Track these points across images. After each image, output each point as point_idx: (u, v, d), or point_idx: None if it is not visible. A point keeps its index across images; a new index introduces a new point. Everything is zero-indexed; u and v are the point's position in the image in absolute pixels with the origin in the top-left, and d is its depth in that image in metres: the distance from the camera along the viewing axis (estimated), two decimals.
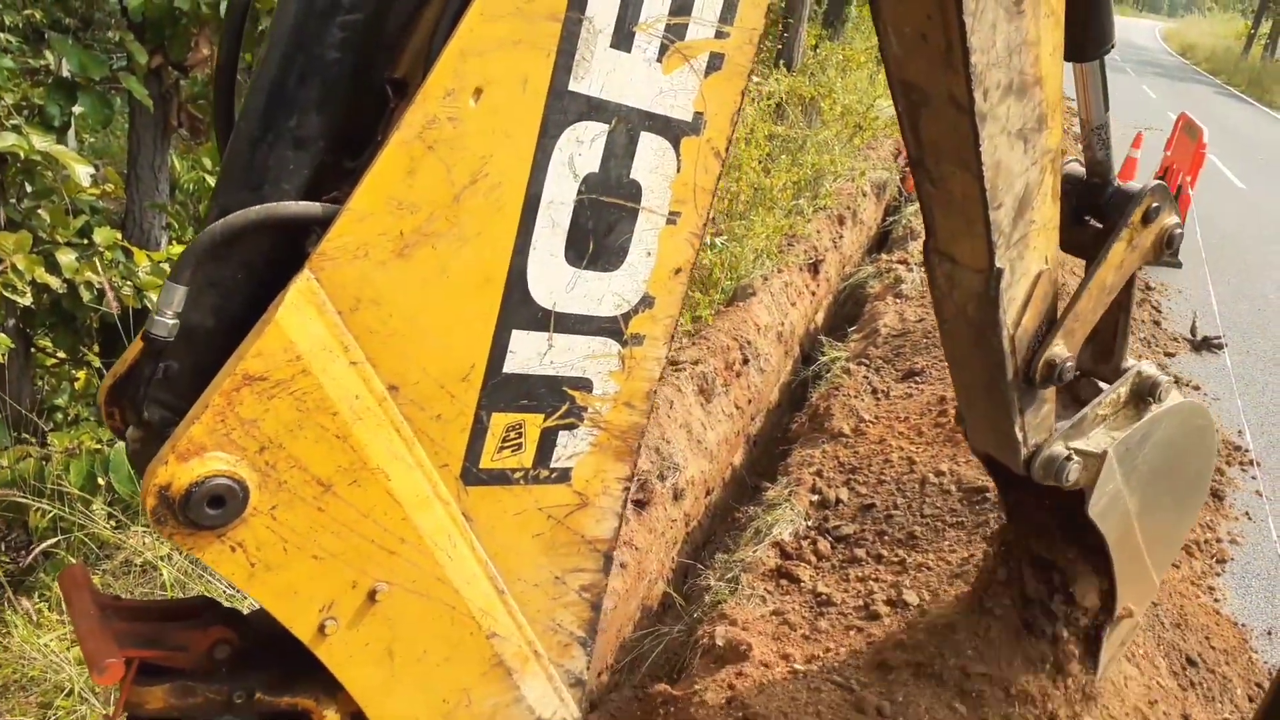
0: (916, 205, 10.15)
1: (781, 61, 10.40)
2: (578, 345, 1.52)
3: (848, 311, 8.38)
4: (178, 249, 4.63)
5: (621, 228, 1.48)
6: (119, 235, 4.36)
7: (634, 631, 4.19)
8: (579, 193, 1.42)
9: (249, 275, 1.34)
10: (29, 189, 4.27)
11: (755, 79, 9.30)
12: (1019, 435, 2.52)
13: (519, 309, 1.43)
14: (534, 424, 1.52)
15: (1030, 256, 2.33)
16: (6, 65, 3.89)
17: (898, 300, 7.54)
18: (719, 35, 1.45)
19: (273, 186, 1.33)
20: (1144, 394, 2.70)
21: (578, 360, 1.53)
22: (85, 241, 4.20)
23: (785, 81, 9.31)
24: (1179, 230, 2.55)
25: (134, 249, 4.35)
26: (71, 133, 5.82)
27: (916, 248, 8.88)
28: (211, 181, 6.16)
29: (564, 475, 1.60)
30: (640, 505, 4.41)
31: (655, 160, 1.47)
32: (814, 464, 4.87)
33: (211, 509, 1.24)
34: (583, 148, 1.40)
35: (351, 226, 1.27)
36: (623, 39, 1.38)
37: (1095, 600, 2.95)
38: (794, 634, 3.49)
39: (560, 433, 1.56)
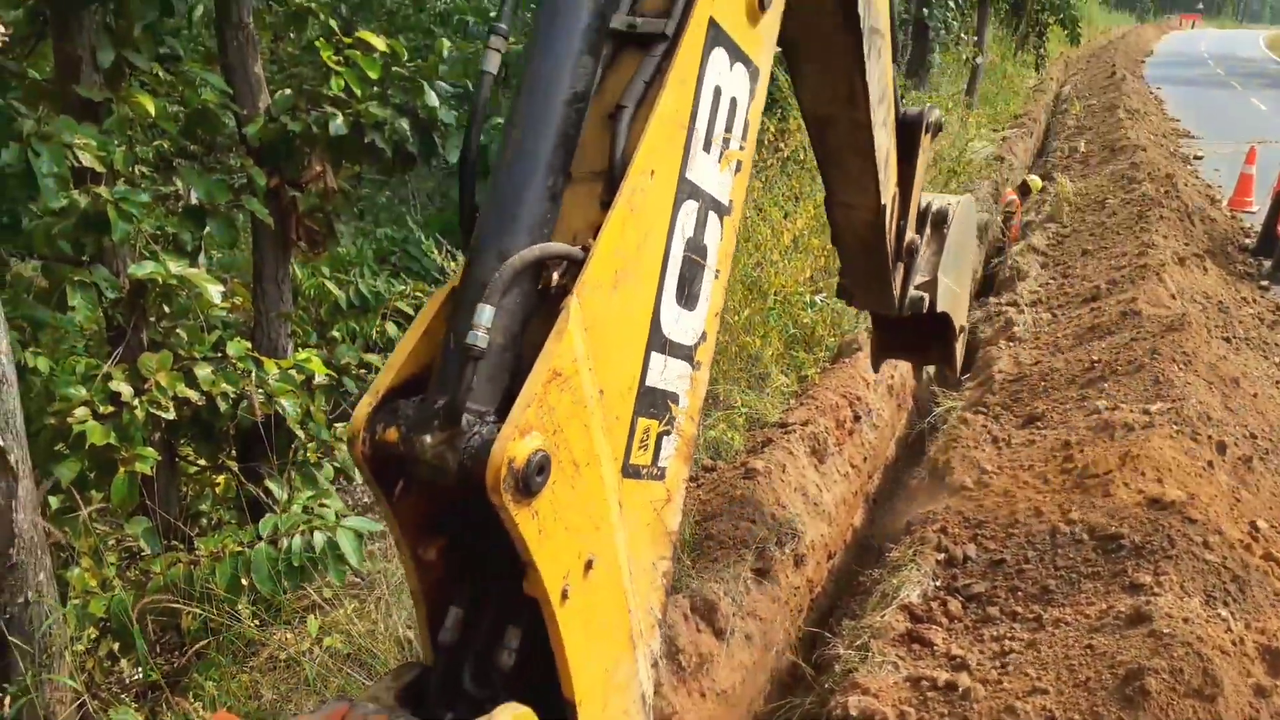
0: (1020, 246, 9.92)
1: None
2: (677, 367, 1.92)
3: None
4: (304, 355, 4.89)
5: (699, 279, 1.95)
6: (249, 345, 4.65)
7: (765, 705, 4.13)
8: (684, 251, 1.89)
9: (523, 300, 1.68)
10: (167, 310, 4.60)
11: None
12: (895, 293, 3.79)
13: (655, 335, 1.85)
14: (654, 429, 1.89)
15: (890, 189, 3.43)
16: (143, 200, 4.23)
17: (1011, 344, 7.35)
18: (741, 148, 2.03)
19: (538, 231, 1.71)
20: (938, 222, 3.98)
21: (675, 379, 1.92)
22: (219, 354, 4.49)
23: None
24: (942, 120, 3.77)
25: (263, 359, 4.62)
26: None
27: (1026, 288, 8.66)
28: (331, 286, 6.52)
29: (663, 473, 1.94)
30: (761, 574, 4.38)
31: (715, 232, 1.98)
32: (937, 520, 4.75)
33: (539, 476, 1.53)
34: (688, 219, 1.90)
35: (598, 265, 1.68)
36: (708, 144, 1.93)
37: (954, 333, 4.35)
38: (929, 701, 3.39)
39: (664, 437, 1.92)
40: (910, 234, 3.76)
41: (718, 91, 1.93)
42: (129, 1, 4.62)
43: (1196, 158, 14.60)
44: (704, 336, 1.99)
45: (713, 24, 1.88)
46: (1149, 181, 11.24)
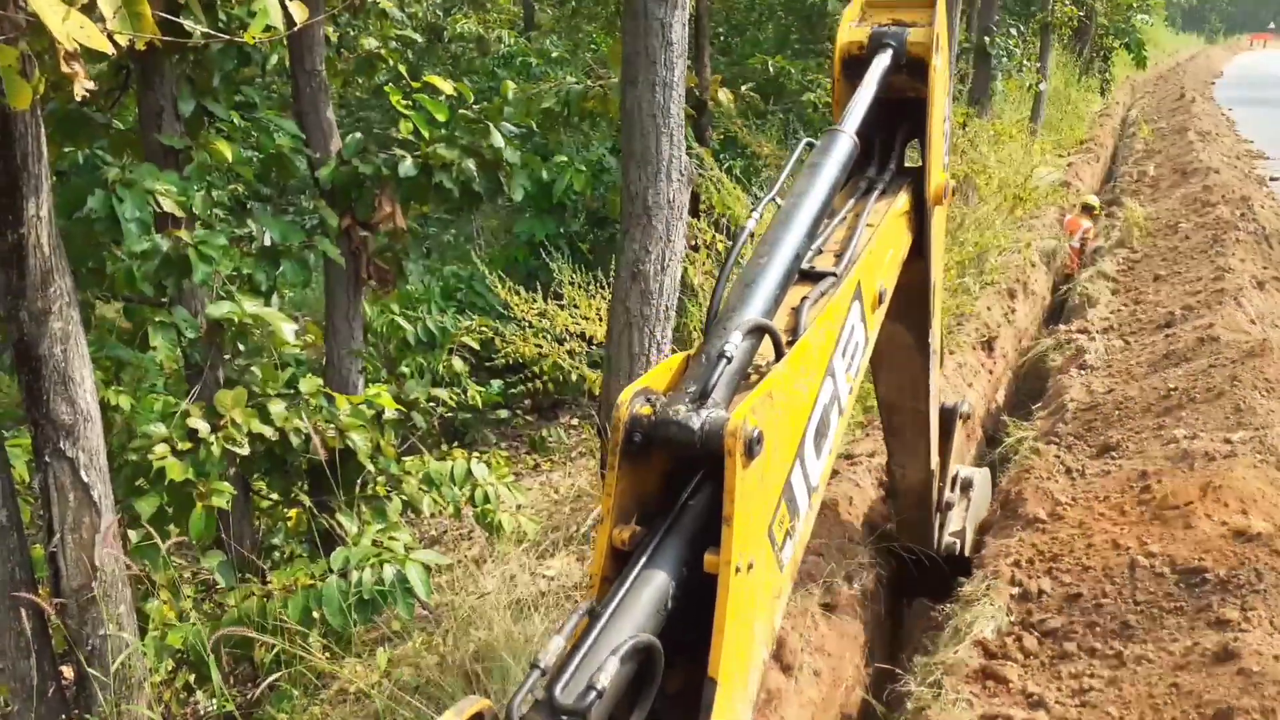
0: (1090, 272, 9.73)
1: None
2: (806, 487, 2.38)
3: (1030, 388, 8.03)
4: (374, 390, 4.99)
5: (826, 434, 2.46)
6: (320, 382, 4.76)
7: None
8: (824, 404, 2.45)
9: (750, 349, 2.32)
10: (242, 348, 4.73)
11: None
12: (934, 537, 4.84)
13: (802, 446, 2.33)
14: (786, 521, 2.27)
15: (936, 458, 4.45)
16: (221, 242, 4.37)
17: (1082, 372, 7.19)
18: (853, 374, 2.74)
19: (770, 309, 2.40)
20: (965, 486, 5.06)
21: (804, 495, 2.36)
22: (292, 391, 4.60)
23: None
24: (971, 410, 5.03)
25: (335, 395, 4.72)
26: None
27: (1097, 315, 8.48)
28: (400, 322, 6.64)
29: (781, 565, 2.29)
30: (829, 609, 4.32)
31: (835, 413, 2.54)
32: (1010, 554, 4.63)
33: (758, 445, 1.99)
34: (828, 388, 2.48)
35: (796, 354, 2.29)
36: (843, 353, 2.61)
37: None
38: None
39: (789, 535, 2.31)
40: (948, 494, 4.73)
41: (852, 326, 2.65)
42: (208, 53, 4.81)
43: (1273, 179, 14.19)
44: (816, 489, 2.42)
45: (858, 289, 2.68)
46: (1223, 204, 10.95)
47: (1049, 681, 3.72)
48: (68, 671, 4.08)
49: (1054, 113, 17.45)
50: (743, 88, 10.47)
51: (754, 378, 2.29)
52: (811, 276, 2.67)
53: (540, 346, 6.89)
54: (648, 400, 2.15)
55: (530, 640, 3.76)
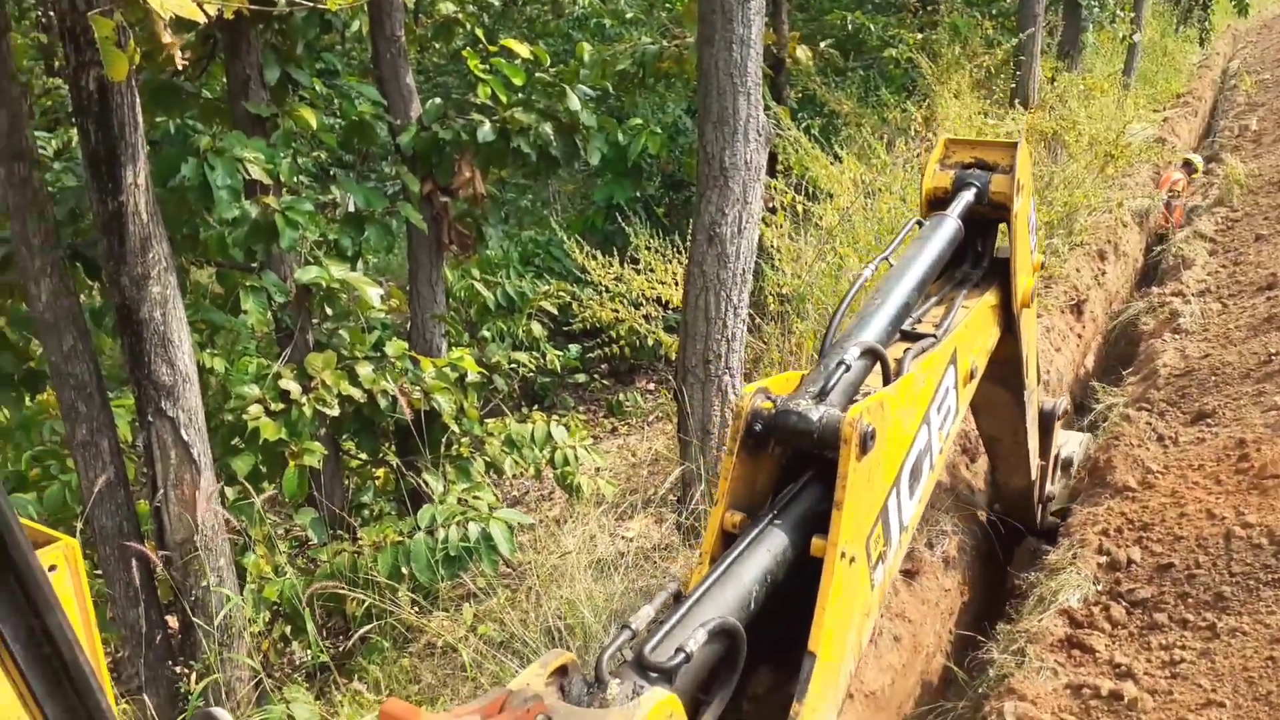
0: (1185, 232, 9.37)
1: (1016, 100, 9.99)
2: (897, 521, 2.48)
3: (1120, 352, 7.78)
4: (457, 353, 5.08)
5: (920, 479, 2.60)
6: (405, 346, 4.86)
7: (914, 708, 4.04)
8: (919, 450, 2.58)
9: (864, 369, 2.51)
10: (329, 312, 4.85)
11: (990, 120, 9.00)
12: (1036, 521, 4.84)
13: (899, 478, 2.46)
14: (879, 544, 2.37)
15: (1035, 470, 4.48)
16: (307, 208, 4.47)
17: (1176, 336, 6.93)
18: (945, 433, 2.89)
19: (890, 336, 2.70)
20: (1066, 465, 5.13)
21: (896, 526, 2.48)
22: (379, 354, 4.70)
23: (1022, 119, 8.94)
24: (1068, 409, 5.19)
25: (419, 357, 4.82)
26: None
27: (1193, 277, 8.15)
28: (480, 288, 6.73)
29: (872, 585, 2.39)
30: (910, 575, 4.29)
31: (927, 464, 2.68)
32: (1098, 522, 4.52)
33: (871, 442, 2.15)
34: (923, 435, 2.61)
35: (904, 382, 2.46)
36: (939, 409, 2.75)
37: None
38: (1092, 710, 3.24)
39: (881, 559, 2.41)
40: (1049, 487, 4.80)
41: (946, 389, 2.80)
42: (292, 21, 4.90)
43: None
44: (907, 528, 2.55)
45: (954, 355, 2.88)
46: None
47: (1138, 652, 3.64)
48: (172, 621, 4.28)
49: (1149, 65, 16.72)
50: (821, 44, 10.26)
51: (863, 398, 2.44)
52: (912, 337, 2.91)
53: (617, 311, 6.92)
54: (768, 397, 2.32)
55: (610, 599, 3.82)
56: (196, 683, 3.72)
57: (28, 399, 4.80)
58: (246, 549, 4.24)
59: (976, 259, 3.47)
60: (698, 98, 4.68)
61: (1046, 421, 4.46)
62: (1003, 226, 3.47)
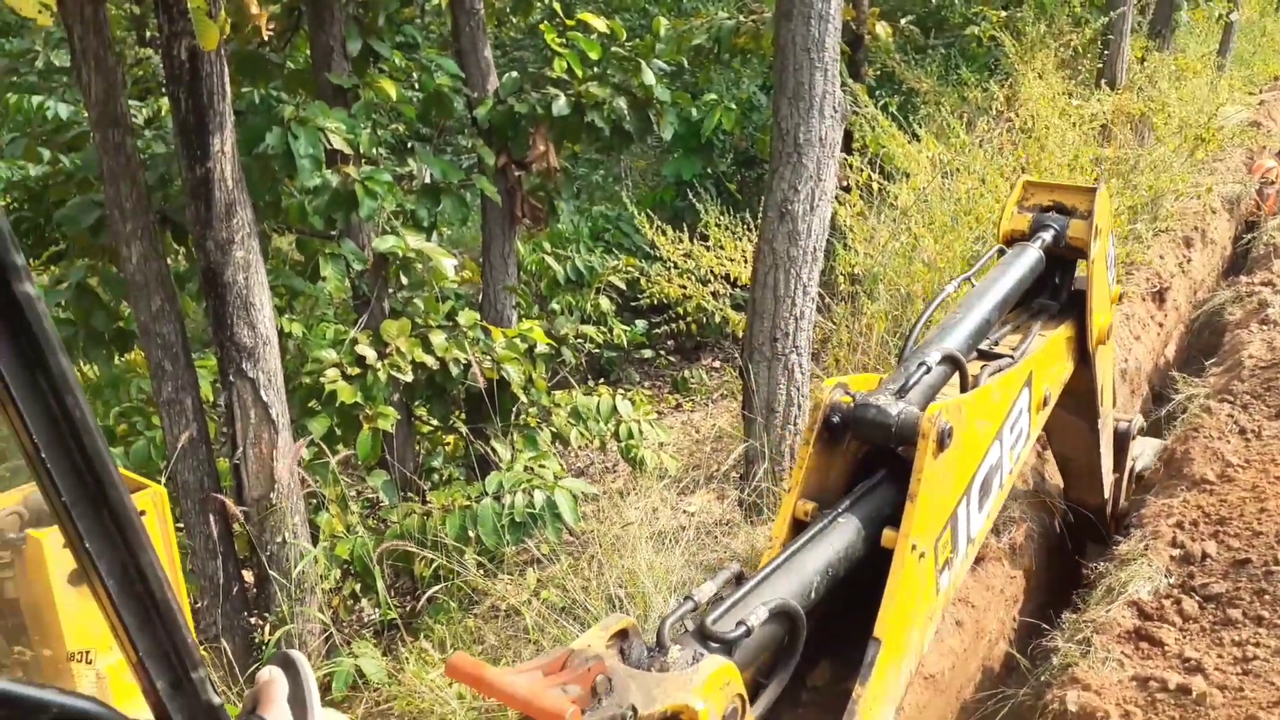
0: (1278, 220, 9.01)
1: (1103, 81, 9.69)
2: (965, 532, 2.52)
3: (1204, 343, 7.54)
4: (526, 325, 5.15)
5: (990, 492, 2.64)
6: (478, 316, 4.94)
7: (974, 693, 4.01)
8: (989, 463, 2.59)
9: (946, 373, 2.56)
10: (405, 281, 4.95)
11: (1075, 102, 8.75)
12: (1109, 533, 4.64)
13: (969, 489, 2.48)
14: (947, 549, 2.41)
15: (1109, 487, 4.39)
16: (385, 179, 4.56)
17: (1264, 327, 6.70)
18: (1016, 455, 2.91)
19: (968, 350, 2.75)
20: (1141, 477, 5.01)
21: (964, 535, 2.51)
22: (451, 324, 4.79)
23: (1109, 100, 8.66)
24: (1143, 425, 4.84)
25: (491, 328, 4.90)
26: None
27: None
28: (550, 261, 6.80)
29: (937, 590, 2.44)
30: (975, 560, 4.24)
31: (996, 483, 2.70)
32: (1173, 514, 4.42)
33: (948, 439, 2.20)
34: (996, 449, 2.64)
35: (982, 392, 2.54)
36: (1011, 428, 2.78)
37: None
38: (1158, 703, 3.19)
39: (948, 565, 2.45)
40: (1123, 502, 4.72)
41: (1020, 410, 2.83)
42: None
43: None
44: (974, 540, 2.57)
45: (1030, 377, 2.91)
46: None
47: (1209, 647, 3.56)
48: (248, 575, 4.44)
49: (1245, 45, 16.04)
50: (902, 21, 10.07)
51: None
52: (989, 356, 2.96)
53: (685, 287, 6.93)
54: (847, 391, 2.38)
55: (670, 571, 3.86)
56: (270, 633, 3.86)
57: (117, 357, 5.00)
58: (321, 508, 4.38)
59: (1054, 291, 3.48)
60: (773, 73, 4.65)
61: (1121, 439, 4.41)
62: (1081, 262, 3.47)
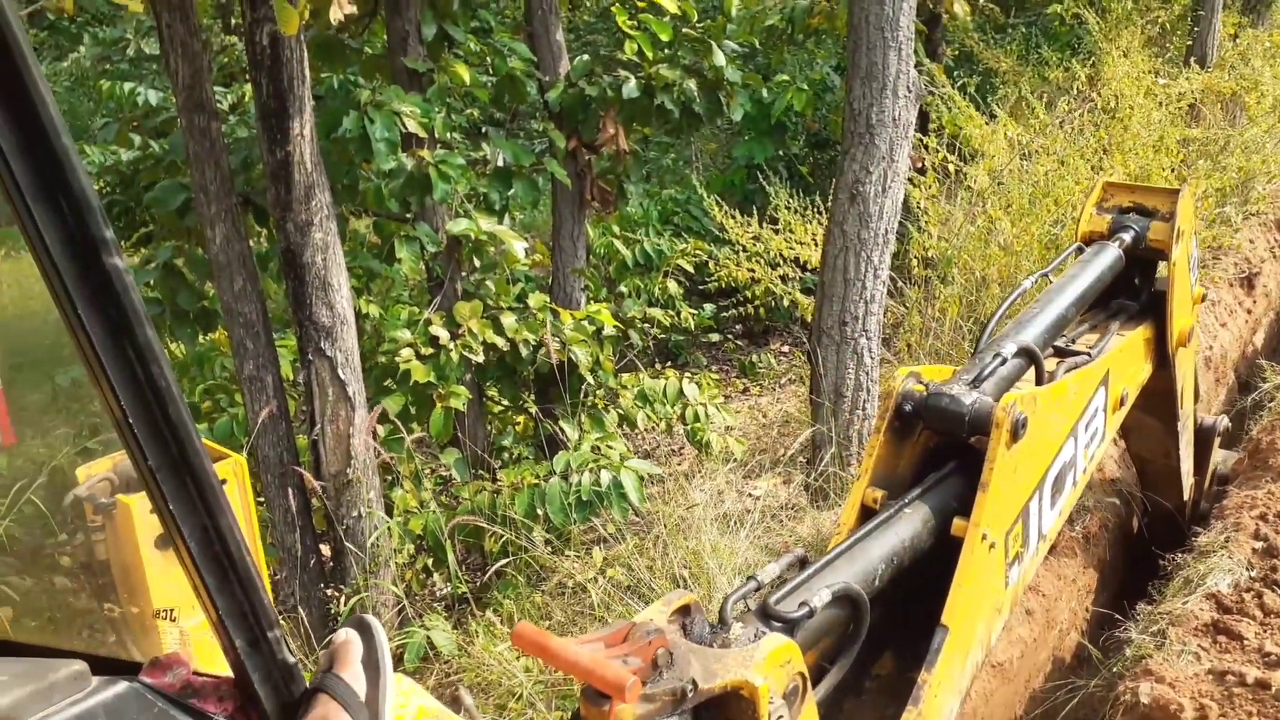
0: None
1: (1192, 59, 9.33)
2: (1038, 527, 2.51)
3: None
4: (595, 307, 5.19)
5: (1063, 488, 2.63)
6: (547, 298, 5.00)
7: (1044, 682, 3.95)
8: (1063, 459, 2.58)
9: (1022, 364, 2.56)
10: (477, 264, 5.03)
11: (1162, 81, 8.44)
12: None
13: (1042, 483, 2.47)
14: (1017, 544, 2.39)
15: (1188, 489, 4.24)
16: (459, 163, 4.64)
17: None
18: (1090, 453, 2.92)
19: (1045, 345, 2.71)
20: (1224, 480, 4.74)
21: (1036, 529, 2.50)
22: (522, 306, 4.86)
23: (1198, 79, 8.34)
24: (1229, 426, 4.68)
25: (559, 310, 4.95)
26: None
27: None
28: (619, 245, 6.83)
29: (1006, 583, 2.43)
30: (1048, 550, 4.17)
31: (1070, 478, 2.70)
32: (1256, 506, 4.28)
33: (1021, 430, 2.19)
34: (1070, 444, 2.62)
35: (1058, 386, 2.52)
36: (1086, 426, 2.74)
37: None
38: (1235, 698, 3.10)
39: (1017, 559, 2.44)
40: (1203, 505, 4.56)
41: (1095, 409, 2.79)
42: None
43: None
44: (1045, 536, 2.54)
45: (1106, 376, 2.85)
46: None
47: None
48: (325, 550, 4.59)
49: None
50: None
51: None
52: (1066, 353, 2.92)
53: (753, 271, 6.89)
54: (920, 381, 2.37)
55: (735, 554, 3.88)
56: (345, 604, 3.99)
57: (201, 336, 5.18)
58: (395, 484, 4.49)
59: (1134, 291, 3.42)
60: (847, 53, 4.60)
61: (1204, 438, 4.29)
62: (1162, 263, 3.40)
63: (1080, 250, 3.26)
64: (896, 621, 2.23)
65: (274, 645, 1.05)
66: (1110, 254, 3.20)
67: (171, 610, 2.36)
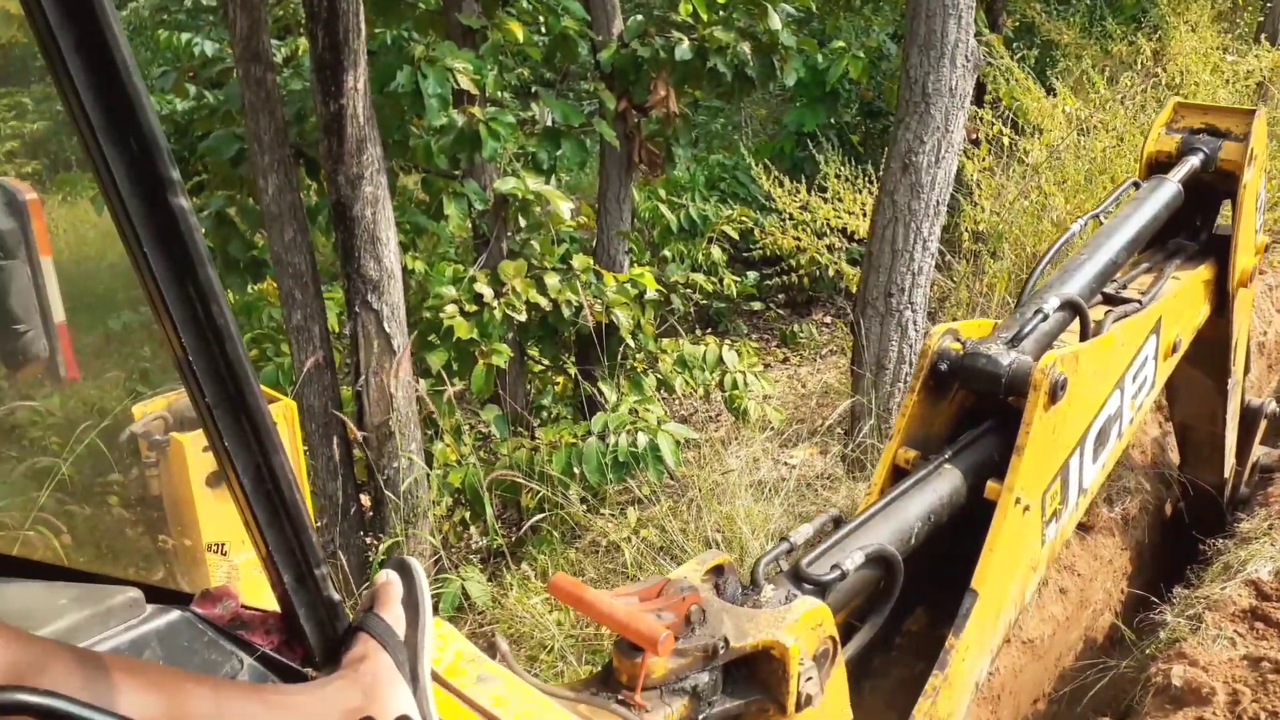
0: None
1: (1263, 35, 9.04)
2: (1077, 483, 2.46)
3: None
4: (637, 271, 5.20)
5: (1107, 441, 2.56)
6: (591, 260, 5.01)
7: (1075, 661, 3.94)
8: (1107, 413, 2.51)
9: (1064, 320, 2.47)
10: (523, 223, 5.05)
11: (1230, 57, 8.20)
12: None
13: (1083, 441, 2.41)
14: (1055, 501, 2.35)
15: (1230, 466, 4.12)
16: (509, 121, 4.64)
17: None
18: (1138, 403, 2.84)
19: (1092, 294, 2.64)
20: (1265, 470, 4.61)
21: (1076, 487, 2.45)
22: (566, 266, 4.88)
23: (1268, 57, 8.09)
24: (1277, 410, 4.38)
25: (603, 272, 4.96)
26: None
27: None
28: (664, 209, 6.82)
29: (1042, 541, 2.37)
30: (1084, 529, 4.14)
31: (1114, 435, 2.64)
32: None
33: (1061, 392, 2.14)
34: (1115, 397, 2.55)
35: (1103, 340, 2.41)
36: (1135, 376, 2.67)
37: None
38: (1270, 684, 3.07)
39: (1054, 517, 2.39)
40: (1243, 489, 4.41)
41: (1145, 358, 2.69)
42: None
43: None
44: (1086, 491, 2.48)
45: (1158, 324, 2.75)
46: None
47: None
48: (365, 500, 4.68)
49: None
50: None
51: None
52: (1116, 300, 2.79)
53: (799, 240, 6.85)
54: (957, 339, 2.30)
55: (769, 520, 3.90)
56: (383, 551, 4.07)
57: (251, 285, 5.27)
58: (436, 438, 4.56)
59: (1194, 232, 3.27)
60: (905, 20, 4.52)
61: (1251, 419, 4.14)
62: (1225, 206, 3.25)
63: (1135, 186, 3.07)
64: (930, 578, 2.21)
65: (319, 582, 1.08)
66: (1168, 190, 3.01)
67: (223, 544, 2.44)
